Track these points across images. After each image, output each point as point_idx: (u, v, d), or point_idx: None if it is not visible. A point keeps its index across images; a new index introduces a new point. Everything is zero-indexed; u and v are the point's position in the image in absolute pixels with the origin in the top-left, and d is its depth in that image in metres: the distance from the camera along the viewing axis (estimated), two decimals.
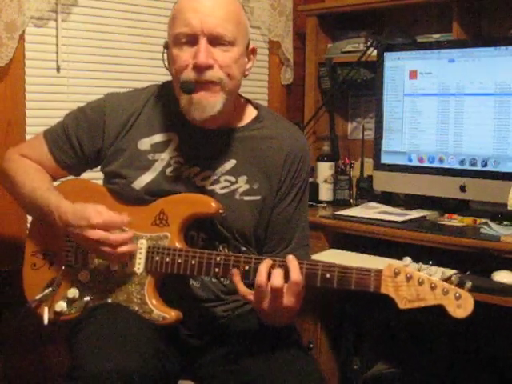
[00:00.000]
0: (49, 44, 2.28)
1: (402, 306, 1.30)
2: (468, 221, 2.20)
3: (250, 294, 1.41)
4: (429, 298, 1.28)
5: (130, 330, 1.43)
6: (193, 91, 1.49)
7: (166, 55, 1.58)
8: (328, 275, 1.36)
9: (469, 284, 1.27)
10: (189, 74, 1.49)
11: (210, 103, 1.50)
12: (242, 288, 1.41)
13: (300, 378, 1.43)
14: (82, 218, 1.48)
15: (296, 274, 1.37)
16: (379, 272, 1.33)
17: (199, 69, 1.48)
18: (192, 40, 1.49)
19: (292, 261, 1.39)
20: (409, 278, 1.29)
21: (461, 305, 1.25)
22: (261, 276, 1.38)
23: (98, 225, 1.47)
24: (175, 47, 1.52)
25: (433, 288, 1.27)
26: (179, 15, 1.51)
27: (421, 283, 1.28)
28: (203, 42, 1.48)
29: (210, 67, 1.48)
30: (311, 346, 2.43)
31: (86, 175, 1.75)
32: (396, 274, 1.31)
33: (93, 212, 1.48)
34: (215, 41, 1.49)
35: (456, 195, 2.32)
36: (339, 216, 2.38)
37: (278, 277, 1.37)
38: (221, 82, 1.50)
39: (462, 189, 2.28)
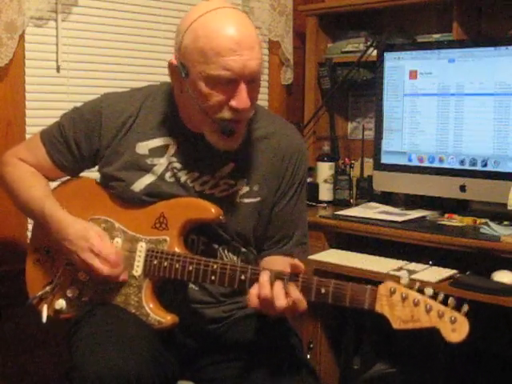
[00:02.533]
0: (49, 44, 2.28)
1: (395, 325, 1.27)
2: (468, 221, 2.20)
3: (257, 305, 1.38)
4: (423, 319, 1.25)
5: (128, 330, 1.43)
6: (234, 133, 1.48)
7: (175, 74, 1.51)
8: (323, 290, 1.35)
9: (466, 307, 1.24)
10: (225, 114, 1.46)
11: (238, 138, 1.51)
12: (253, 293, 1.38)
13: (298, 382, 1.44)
14: (83, 238, 1.51)
15: (296, 294, 1.35)
16: (374, 290, 1.31)
17: (240, 112, 1.45)
18: (230, 81, 1.43)
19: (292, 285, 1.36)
20: (404, 298, 1.27)
21: (456, 329, 1.23)
22: (265, 289, 1.35)
23: (99, 253, 1.49)
24: (207, 85, 1.43)
25: (428, 310, 1.25)
26: (215, 56, 1.40)
27: (416, 304, 1.26)
28: (244, 86, 1.43)
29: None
30: (311, 346, 2.43)
31: (84, 175, 1.74)
32: (392, 292, 1.28)
33: (96, 237, 1.51)
34: (251, 80, 1.45)
35: (456, 195, 2.32)
36: (339, 216, 2.38)
37: (281, 297, 1.34)
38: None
39: (462, 189, 2.28)
